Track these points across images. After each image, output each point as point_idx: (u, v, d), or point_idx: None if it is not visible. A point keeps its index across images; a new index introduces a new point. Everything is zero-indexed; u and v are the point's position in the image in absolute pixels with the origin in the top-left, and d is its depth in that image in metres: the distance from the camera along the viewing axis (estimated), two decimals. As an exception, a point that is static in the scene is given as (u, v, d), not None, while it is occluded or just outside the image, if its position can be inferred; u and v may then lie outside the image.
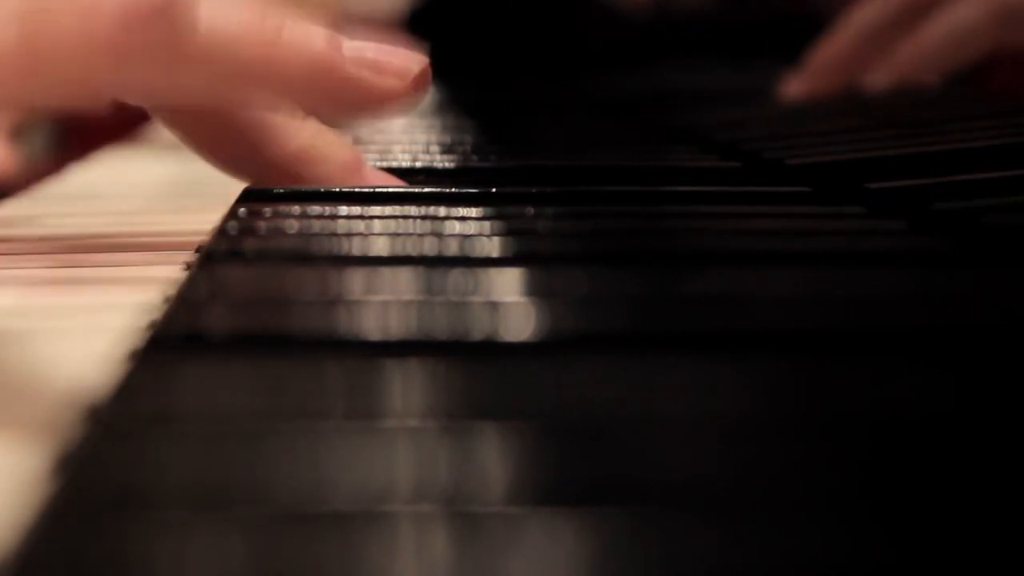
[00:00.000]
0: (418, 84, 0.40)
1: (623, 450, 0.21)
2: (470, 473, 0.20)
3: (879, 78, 0.82)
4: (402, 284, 0.30)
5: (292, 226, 0.38)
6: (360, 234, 0.36)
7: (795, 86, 0.85)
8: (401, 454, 0.20)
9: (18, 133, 0.92)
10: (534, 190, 0.44)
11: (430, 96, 0.96)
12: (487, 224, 0.37)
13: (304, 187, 0.44)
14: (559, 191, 0.45)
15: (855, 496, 0.19)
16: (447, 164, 0.55)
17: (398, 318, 0.27)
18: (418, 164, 0.54)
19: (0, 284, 0.36)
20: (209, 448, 0.21)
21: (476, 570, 0.17)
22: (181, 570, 0.17)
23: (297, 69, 0.38)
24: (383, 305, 0.28)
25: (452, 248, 0.34)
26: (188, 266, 0.34)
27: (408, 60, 0.39)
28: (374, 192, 0.43)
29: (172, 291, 0.31)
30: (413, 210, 0.40)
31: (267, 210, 0.39)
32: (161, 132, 0.87)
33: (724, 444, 0.21)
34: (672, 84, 1.10)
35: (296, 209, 0.40)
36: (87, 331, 0.30)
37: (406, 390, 0.24)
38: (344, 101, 0.39)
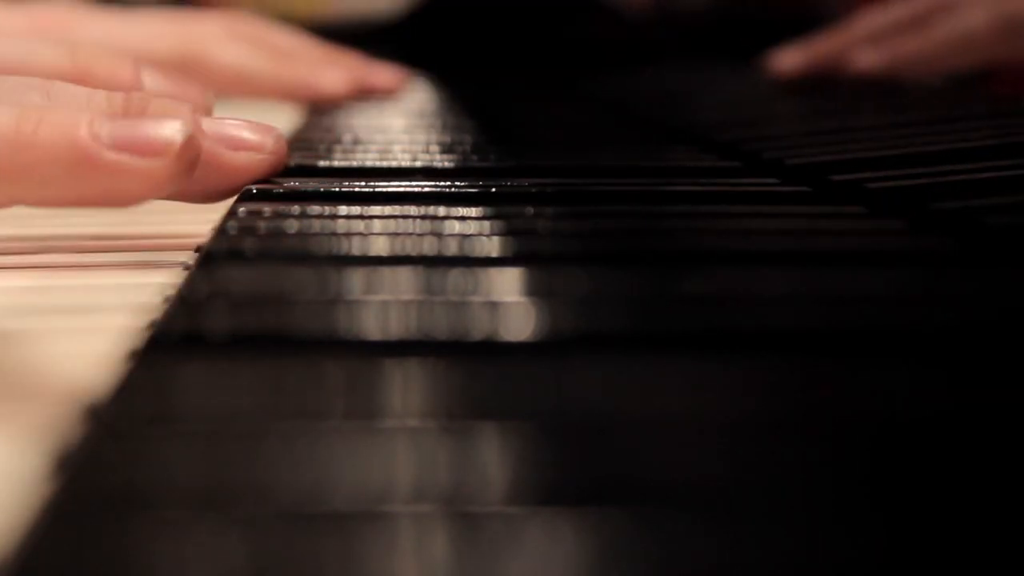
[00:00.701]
0: (184, 157, 0.36)
1: (623, 450, 0.21)
2: (470, 473, 0.20)
3: (873, 56, 0.83)
4: (402, 284, 0.30)
5: (292, 226, 0.38)
6: (360, 234, 0.36)
7: (788, 62, 0.87)
8: (401, 454, 0.20)
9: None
10: (534, 190, 0.44)
11: (430, 96, 0.96)
12: (487, 224, 0.37)
13: (304, 187, 0.44)
14: (559, 191, 0.45)
15: (855, 496, 0.19)
16: (447, 164, 0.55)
17: (398, 318, 0.27)
18: (418, 163, 0.54)
19: (0, 284, 0.36)
20: (209, 448, 0.21)
21: (476, 570, 0.17)
22: (181, 570, 0.17)
23: (52, 167, 0.36)
24: (383, 305, 0.28)
25: (452, 248, 0.34)
26: (188, 266, 0.34)
27: (171, 132, 0.36)
28: (374, 192, 0.43)
29: (172, 291, 0.31)
30: (413, 210, 0.40)
31: (267, 210, 0.39)
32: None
33: (724, 444, 0.21)
34: (672, 84, 1.10)
35: (296, 209, 0.40)
36: (87, 331, 0.30)
37: (406, 390, 0.24)
38: (108, 190, 0.36)
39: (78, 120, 0.36)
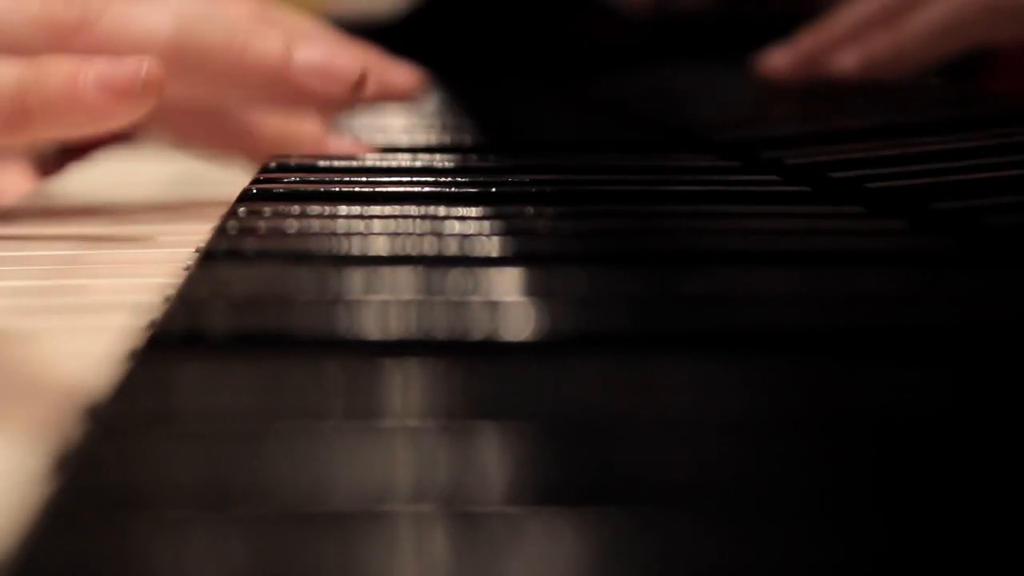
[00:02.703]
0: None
1: (623, 450, 0.21)
2: (470, 473, 0.20)
3: (850, 59, 0.83)
4: (402, 284, 0.30)
5: (292, 226, 0.38)
6: (360, 234, 0.36)
7: (777, 63, 0.87)
8: (401, 454, 0.20)
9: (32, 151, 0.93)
10: (534, 190, 0.44)
11: (430, 96, 0.96)
12: (487, 224, 0.37)
13: (304, 187, 0.44)
14: (559, 191, 0.45)
15: (855, 496, 0.19)
16: (447, 163, 0.55)
17: (398, 318, 0.27)
18: (418, 163, 0.54)
19: (0, 284, 0.36)
20: (209, 448, 0.21)
21: (476, 570, 0.17)
22: (181, 570, 0.17)
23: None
24: (383, 305, 0.28)
25: (452, 248, 0.34)
26: (188, 266, 0.34)
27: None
28: (374, 192, 0.43)
29: (172, 291, 0.31)
30: (413, 210, 0.40)
31: (267, 210, 0.39)
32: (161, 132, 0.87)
33: (724, 444, 0.21)
34: (672, 84, 1.10)
35: (296, 209, 0.40)
36: (87, 331, 0.30)
37: (406, 390, 0.24)
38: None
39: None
